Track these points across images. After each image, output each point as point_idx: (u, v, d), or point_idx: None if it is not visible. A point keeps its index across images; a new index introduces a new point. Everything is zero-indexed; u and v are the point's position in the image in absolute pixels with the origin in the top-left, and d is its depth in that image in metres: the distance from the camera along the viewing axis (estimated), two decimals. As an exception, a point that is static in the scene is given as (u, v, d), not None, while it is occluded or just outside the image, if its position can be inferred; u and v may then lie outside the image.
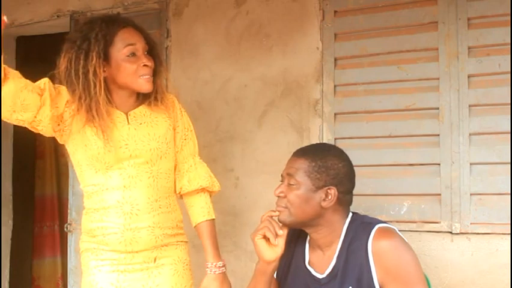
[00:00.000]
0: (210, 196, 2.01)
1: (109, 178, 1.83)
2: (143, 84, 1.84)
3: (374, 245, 1.57)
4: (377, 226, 1.61)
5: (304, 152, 1.70)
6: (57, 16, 3.10)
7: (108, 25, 1.82)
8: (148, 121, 1.90)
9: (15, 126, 3.47)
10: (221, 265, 1.92)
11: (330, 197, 1.63)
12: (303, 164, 1.65)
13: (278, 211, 1.68)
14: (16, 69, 3.47)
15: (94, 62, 1.77)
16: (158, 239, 1.86)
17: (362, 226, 1.64)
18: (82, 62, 1.78)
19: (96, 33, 1.80)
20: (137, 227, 1.83)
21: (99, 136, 1.81)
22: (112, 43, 1.80)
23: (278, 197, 1.69)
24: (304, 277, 1.70)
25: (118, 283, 1.82)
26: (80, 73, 1.77)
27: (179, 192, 1.97)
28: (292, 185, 1.65)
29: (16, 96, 1.71)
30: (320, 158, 1.65)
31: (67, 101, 1.83)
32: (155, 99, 1.91)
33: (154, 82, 1.89)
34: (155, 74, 1.90)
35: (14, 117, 1.74)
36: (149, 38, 1.92)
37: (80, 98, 1.78)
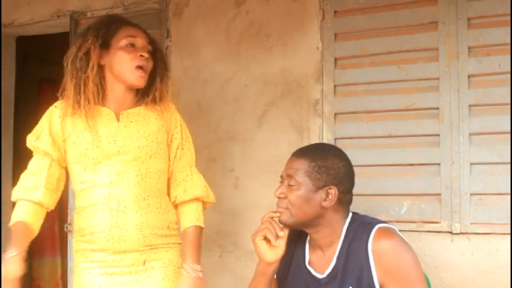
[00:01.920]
0: (205, 207, 2.01)
1: (96, 175, 1.84)
2: (136, 78, 1.88)
3: (374, 245, 1.57)
4: (377, 226, 1.61)
5: (303, 152, 1.69)
6: (58, 16, 3.10)
7: (117, 20, 1.94)
8: (139, 120, 1.92)
9: (15, 126, 3.49)
10: (199, 269, 1.88)
11: (330, 197, 1.63)
12: (303, 165, 1.65)
13: (279, 212, 1.68)
14: (16, 69, 3.48)
15: (88, 42, 1.84)
16: (147, 238, 1.85)
17: (362, 226, 1.64)
18: (79, 42, 1.87)
19: (102, 23, 1.90)
20: (125, 225, 1.82)
21: (88, 132, 1.84)
22: (115, 34, 1.88)
23: (278, 198, 1.69)
24: (305, 277, 1.70)
25: (107, 286, 1.81)
26: (74, 52, 1.86)
27: (174, 202, 1.97)
28: (293, 185, 1.64)
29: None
30: (320, 158, 1.65)
31: (49, 121, 1.91)
32: (153, 100, 1.94)
33: (156, 86, 1.94)
34: (156, 76, 1.94)
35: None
36: (156, 44, 1.99)
37: (71, 77, 1.86)
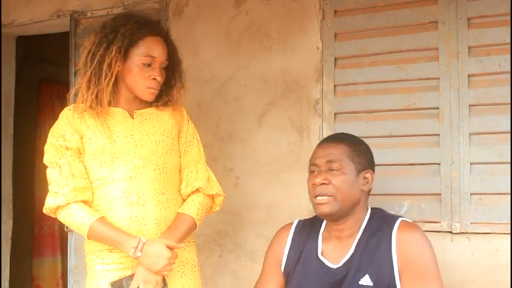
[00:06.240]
0: (214, 201, 1.99)
1: (114, 170, 1.84)
2: (146, 95, 1.91)
3: (398, 235, 1.62)
4: (400, 219, 1.68)
5: (339, 138, 1.73)
6: (58, 16, 3.10)
7: (140, 27, 1.89)
8: (153, 117, 1.95)
9: (15, 126, 3.49)
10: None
11: (368, 181, 1.65)
12: (343, 149, 1.66)
13: (321, 203, 1.64)
14: (16, 69, 3.47)
15: (112, 54, 1.83)
16: None
17: (384, 218, 1.70)
18: (102, 50, 1.84)
19: (125, 30, 1.86)
20: (144, 219, 1.81)
21: (102, 128, 1.85)
22: (136, 45, 1.87)
23: (321, 185, 1.64)
24: (316, 268, 1.70)
25: None
26: (96, 59, 1.84)
27: (182, 198, 1.96)
28: (336, 170, 1.63)
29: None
30: (355, 143, 1.70)
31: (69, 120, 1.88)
32: (165, 104, 1.97)
33: (171, 97, 1.97)
34: (171, 86, 1.97)
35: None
36: (175, 54, 1.99)
37: (88, 81, 1.85)
